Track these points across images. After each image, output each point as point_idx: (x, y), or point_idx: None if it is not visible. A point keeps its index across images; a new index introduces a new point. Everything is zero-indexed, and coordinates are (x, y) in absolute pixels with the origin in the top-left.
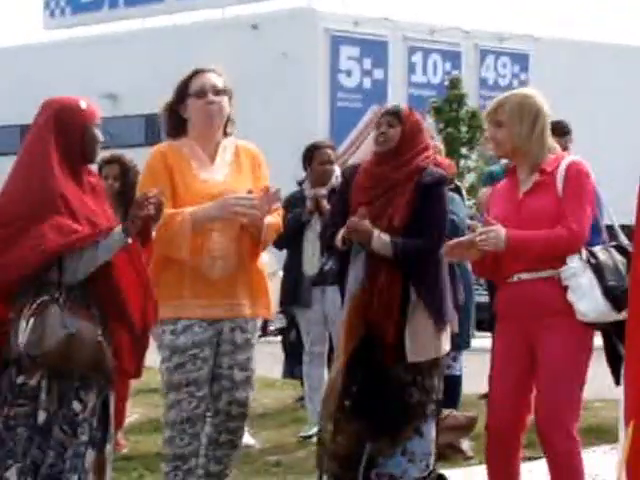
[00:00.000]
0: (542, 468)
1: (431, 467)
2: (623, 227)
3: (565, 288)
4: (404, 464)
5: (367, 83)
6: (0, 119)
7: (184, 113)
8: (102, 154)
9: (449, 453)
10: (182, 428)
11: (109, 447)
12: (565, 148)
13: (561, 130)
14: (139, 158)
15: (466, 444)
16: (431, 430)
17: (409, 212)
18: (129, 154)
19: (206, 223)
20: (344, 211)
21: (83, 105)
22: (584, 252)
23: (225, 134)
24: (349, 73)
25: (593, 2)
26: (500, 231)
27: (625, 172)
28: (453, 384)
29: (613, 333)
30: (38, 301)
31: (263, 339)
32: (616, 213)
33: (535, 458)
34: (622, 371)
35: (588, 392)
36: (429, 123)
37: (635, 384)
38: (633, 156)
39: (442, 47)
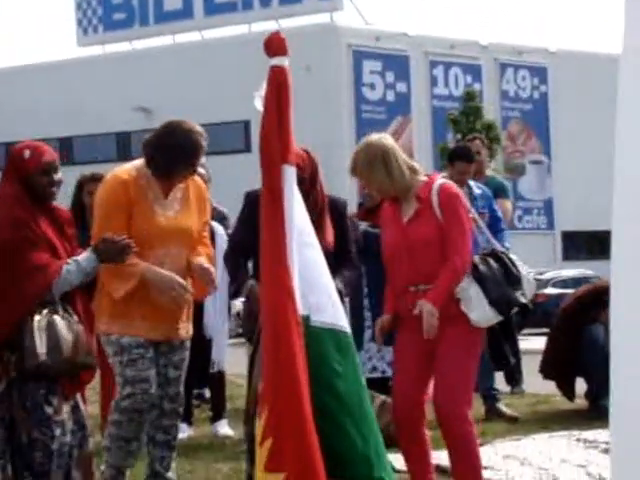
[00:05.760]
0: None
1: None
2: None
3: (457, 300)
4: None
5: (390, 96)
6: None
7: (174, 169)
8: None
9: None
10: (131, 417)
11: (90, 445)
12: (479, 172)
13: (467, 157)
14: None
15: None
16: None
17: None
18: None
19: (149, 281)
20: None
21: (26, 155)
22: None
23: None
24: (372, 86)
25: (608, 15)
26: (431, 311)
27: None
28: None
29: (498, 327)
30: (44, 314)
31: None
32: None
33: None
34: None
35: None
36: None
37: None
38: None
39: (462, 61)
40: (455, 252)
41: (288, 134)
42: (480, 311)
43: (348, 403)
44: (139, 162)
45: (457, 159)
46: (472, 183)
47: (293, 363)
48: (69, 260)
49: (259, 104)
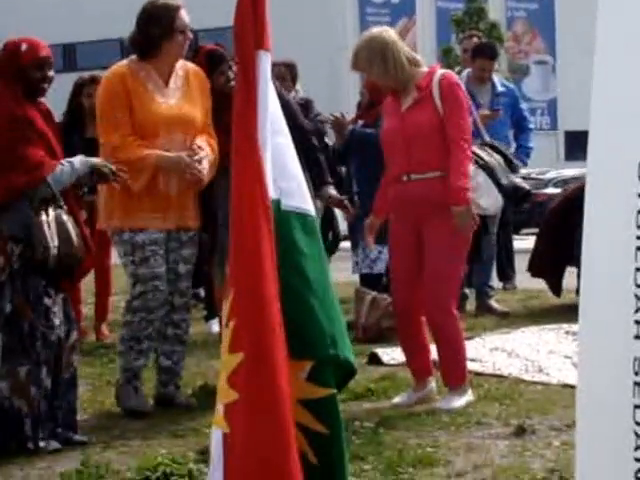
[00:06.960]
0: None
1: None
2: None
3: None
4: None
5: None
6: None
7: (160, 41)
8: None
9: (390, 334)
10: (142, 316)
11: (74, 337)
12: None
13: (488, 53)
14: None
15: None
16: None
17: None
18: None
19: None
20: None
21: (23, 48)
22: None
23: None
24: None
25: None
26: (463, 211)
27: None
28: None
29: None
30: (51, 212)
31: None
32: None
33: None
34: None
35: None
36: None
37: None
38: None
39: None
40: (459, 135)
41: (263, 20)
42: (490, 198)
43: (314, 284)
44: (135, 57)
45: (479, 55)
46: (496, 80)
47: (258, 246)
48: (64, 161)
49: None
